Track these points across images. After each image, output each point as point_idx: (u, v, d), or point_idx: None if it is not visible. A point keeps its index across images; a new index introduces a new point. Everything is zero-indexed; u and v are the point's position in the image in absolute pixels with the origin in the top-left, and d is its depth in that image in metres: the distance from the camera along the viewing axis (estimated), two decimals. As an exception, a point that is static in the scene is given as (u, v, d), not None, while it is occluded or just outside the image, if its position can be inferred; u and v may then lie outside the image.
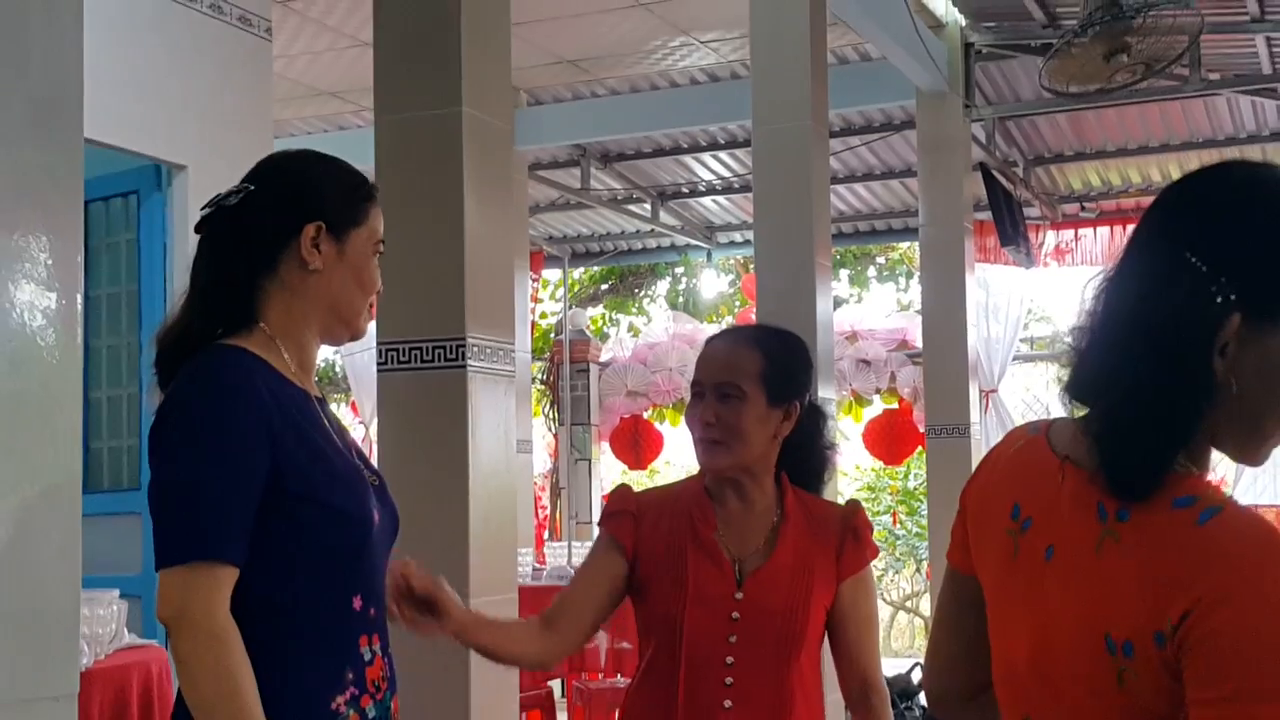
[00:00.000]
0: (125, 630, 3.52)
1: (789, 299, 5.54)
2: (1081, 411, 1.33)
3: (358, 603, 1.77)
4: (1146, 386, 1.23)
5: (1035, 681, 1.33)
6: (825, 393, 5.55)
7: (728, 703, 2.11)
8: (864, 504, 2.37)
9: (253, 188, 1.82)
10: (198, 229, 1.85)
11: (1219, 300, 1.22)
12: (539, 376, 11.36)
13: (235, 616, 1.65)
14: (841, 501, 2.37)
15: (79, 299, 2.00)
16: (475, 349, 3.39)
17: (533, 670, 2.17)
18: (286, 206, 1.81)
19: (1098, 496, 1.27)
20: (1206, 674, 1.17)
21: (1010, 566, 1.37)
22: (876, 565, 13.05)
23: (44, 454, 1.92)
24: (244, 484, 1.65)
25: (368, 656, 1.77)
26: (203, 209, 1.84)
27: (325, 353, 14.17)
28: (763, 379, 2.21)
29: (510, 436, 3.55)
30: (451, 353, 3.37)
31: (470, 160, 3.43)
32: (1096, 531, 1.27)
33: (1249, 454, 1.31)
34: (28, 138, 1.99)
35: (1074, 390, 1.33)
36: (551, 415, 10.93)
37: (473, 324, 3.40)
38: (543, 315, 11.90)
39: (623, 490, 2.35)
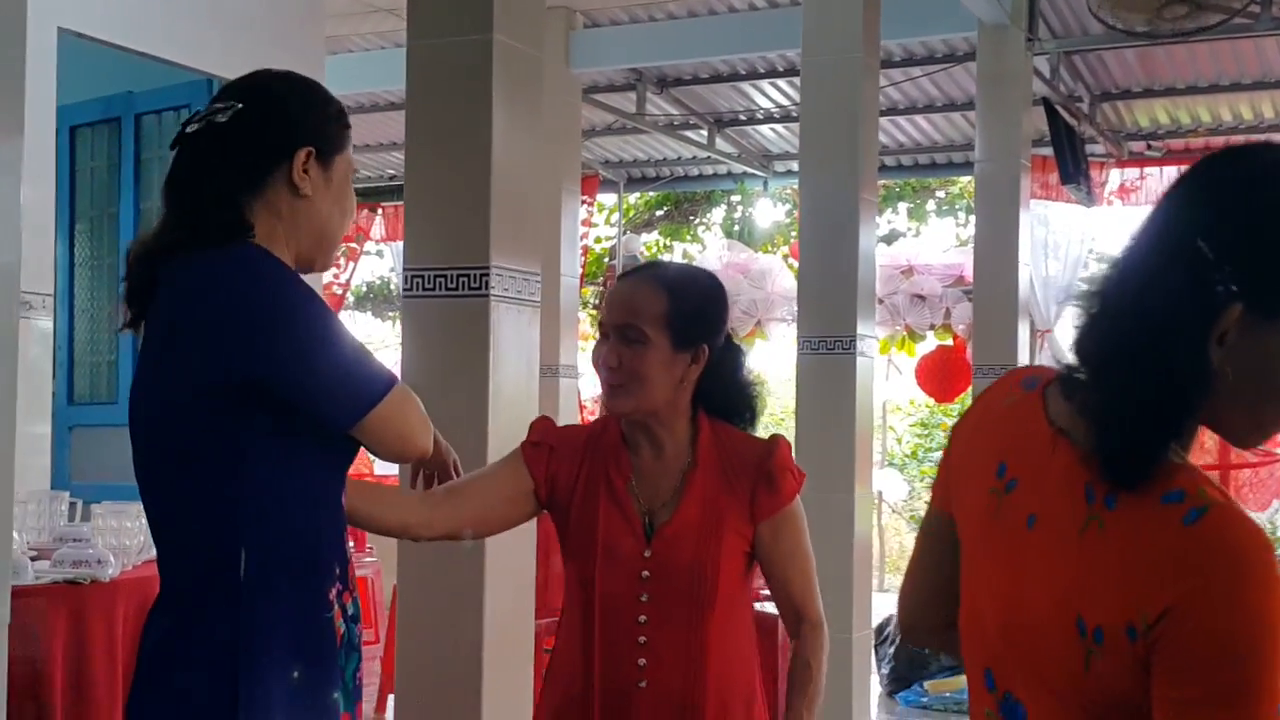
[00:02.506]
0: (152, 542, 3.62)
1: (832, 233, 5.51)
2: (1078, 373, 1.31)
3: (345, 499, 1.81)
4: (1144, 370, 1.23)
5: (1000, 639, 1.34)
6: (865, 329, 5.54)
7: (642, 661, 2.10)
8: (786, 438, 2.28)
9: (241, 106, 1.80)
10: (176, 143, 1.82)
11: (1219, 289, 1.21)
12: (591, 301, 11.39)
13: (238, 513, 1.69)
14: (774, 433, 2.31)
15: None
16: (500, 278, 3.41)
17: (400, 538, 2.15)
18: (279, 129, 1.81)
19: (1087, 477, 1.27)
20: (1176, 675, 1.18)
21: (990, 523, 1.38)
22: (926, 502, 13.03)
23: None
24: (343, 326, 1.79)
25: (348, 552, 1.82)
26: (187, 123, 1.81)
27: (380, 268, 14.15)
28: (667, 322, 2.15)
29: (533, 366, 3.58)
30: (475, 281, 3.39)
31: (500, 88, 3.43)
32: (1083, 513, 1.27)
33: (1243, 440, 1.30)
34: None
35: (1079, 353, 1.32)
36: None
37: (498, 253, 3.42)
38: (597, 240, 11.89)
39: (543, 421, 2.32)
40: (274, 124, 1.81)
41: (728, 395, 2.24)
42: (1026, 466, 1.35)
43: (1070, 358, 1.32)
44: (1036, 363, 8.90)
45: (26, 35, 1.71)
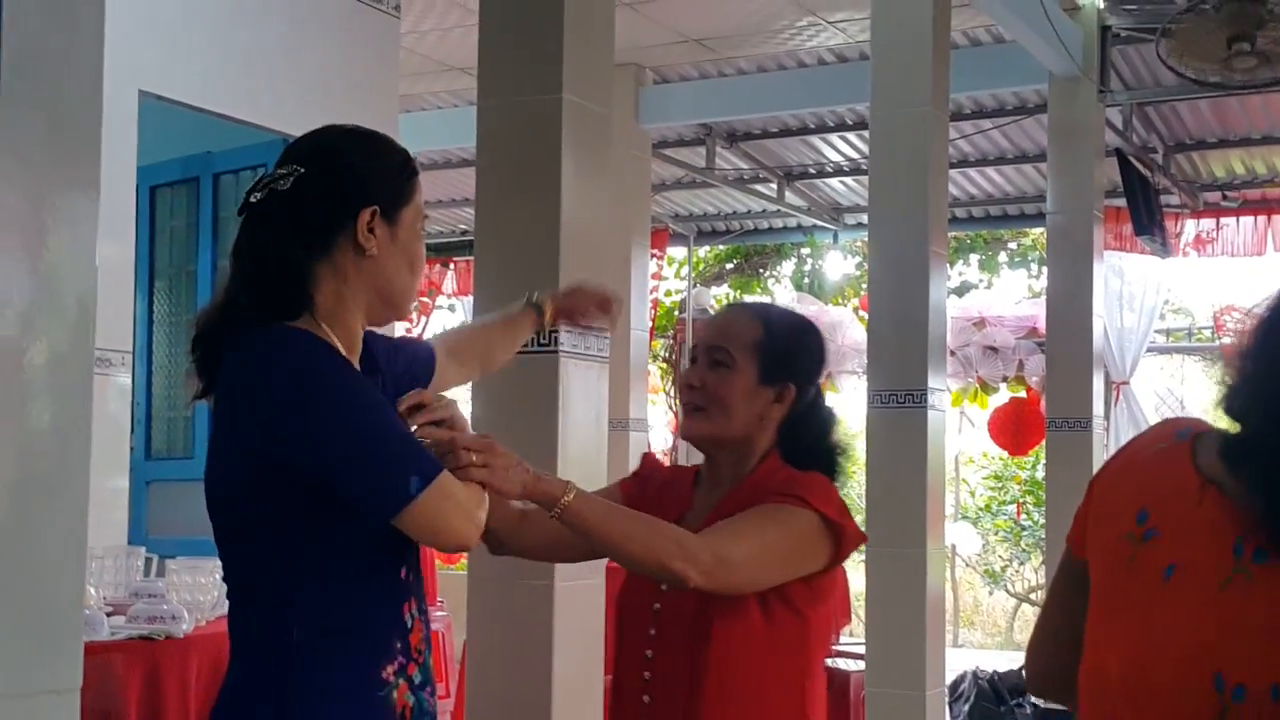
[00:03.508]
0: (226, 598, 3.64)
1: (902, 285, 5.48)
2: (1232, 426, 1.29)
3: (404, 572, 1.80)
4: None
5: (1124, 696, 1.29)
6: (936, 382, 5.48)
7: (649, 653, 2.08)
8: (826, 478, 2.12)
9: (303, 170, 1.78)
10: (241, 211, 1.82)
11: None
12: (660, 354, 11.39)
13: (289, 584, 1.69)
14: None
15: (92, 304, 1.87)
16: (569, 334, 3.42)
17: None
18: (341, 191, 1.79)
19: (1238, 530, 1.23)
20: None
21: (1124, 571, 1.33)
22: (1000, 556, 12.82)
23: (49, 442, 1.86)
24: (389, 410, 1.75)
25: (409, 623, 1.80)
26: (250, 191, 1.81)
27: (452, 323, 14.31)
28: (757, 351, 2.11)
29: (602, 421, 3.57)
30: (544, 337, 3.39)
31: (569, 146, 3.45)
32: (1228, 566, 1.23)
33: None
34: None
35: (1231, 412, 1.30)
36: (674, 393, 10.96)
37: (567, 309, 3.42)
38: (667, 293, 11.91)
39: (647, 457, 2.36)
40: (336, 187, 1.79)
41: (811, 453, 2.16)
42: (1169, 516, 1.31)
43: (1219, 415, 1.29)
44: (1113, 416, 8.77)
45: (104, 96, 1.73)
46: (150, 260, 6.35)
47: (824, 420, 2.19)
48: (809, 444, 2.16)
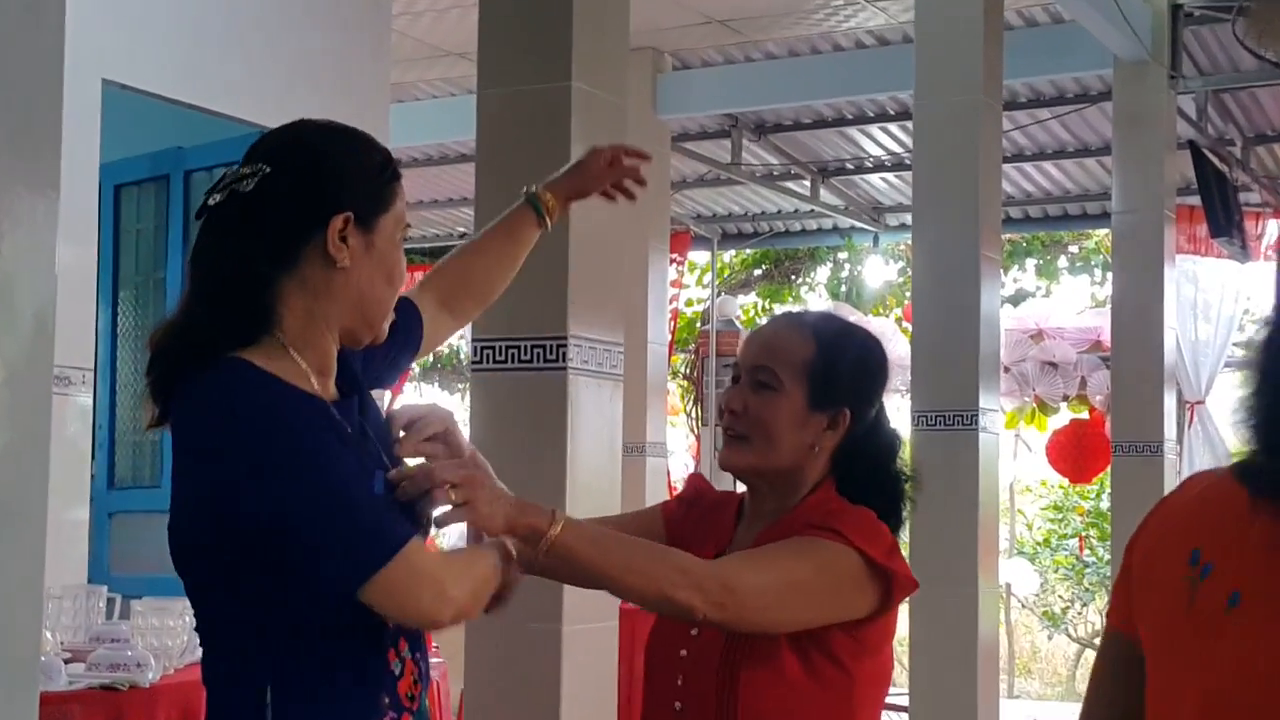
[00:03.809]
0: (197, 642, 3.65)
1: (950, 293, 5.48)
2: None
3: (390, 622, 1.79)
4: None
5: None
6: (988, 401, 5.47)
7: (678, 704, 2.06)
8: (873, 514, 2.08)
9: (269, 170, 1.76)
10: (199, 215, 1.79)
11: None
12: (681, 370, 11.40)
13: (258, 637, 1.69)
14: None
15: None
16: (579, 349, 3.43)
17: None
18: (311, 194, 1.76)
19: None
20: None
21: (1183, 619, 1.34)
22: (1060, 596, 12.76)
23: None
24: (352, 470, 1.70)
25: (398, 670, 1.79)
26: (209, 192, 1.78)
27: (451, 340, 14.46)
28: (807, 371, 2.08)
29: (616, 445, 3.58)
30: (551, 353, 3.41)
31: (579, 139, 3.46)
32: None
33: None
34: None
35: (1247, 433, 1.31)
36: (695, 414, 10.96)
37: (576, 321, 3.44)
38: (688, 303, 11.92)
39: (694, 477, 2.33)
40: (305, 190, 1.76)
41: (869, 486, 2.12)
42: (1222, 544, 1.33)
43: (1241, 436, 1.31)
44: (1186, 439, 8.73)
45: (65, 86, 1.74)
46: (114, 267, 6.37)
47: (884, 446, 2.16)
48: (866, 473, 2.13)
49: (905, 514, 2.15)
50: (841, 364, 2.11)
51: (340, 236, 1.76)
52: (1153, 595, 1.40)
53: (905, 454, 2.20)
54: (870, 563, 2.00)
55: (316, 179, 1.77)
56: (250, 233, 1.74)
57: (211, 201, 1.77)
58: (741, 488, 2.21)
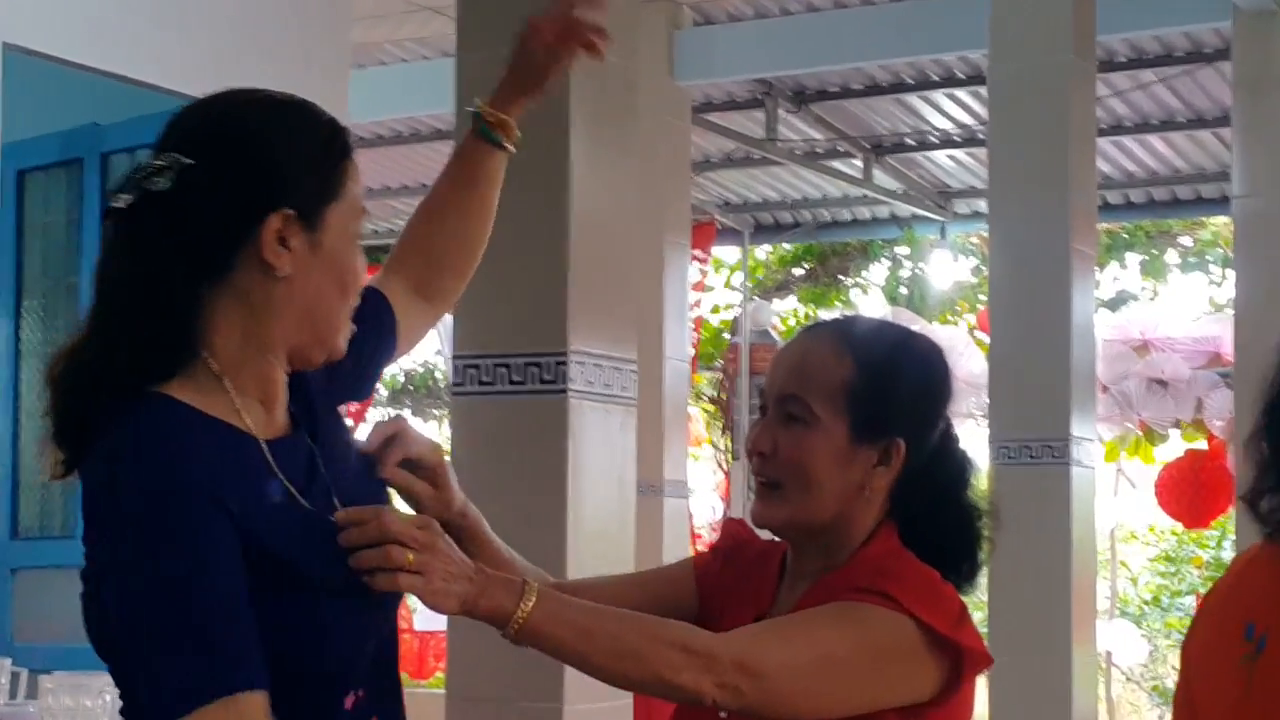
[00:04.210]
0: (119, 725, 3.66)
1: (1035, 296, 5.49)
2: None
3: (352, 699, 1.81)
4: None
5: None
6: (1082, 428, 5.48)
7: None
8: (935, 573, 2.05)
9: (189, 162, 1.74)
10: (106, 216, 1.77)
11: None
12: (707, 392, 11.41)
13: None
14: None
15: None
16: (581, 367, 3.44)
17: None
18: (240, 189, 1.74)
19: None
20: None
21: (1244, 702, 1.42)
22: (1173, 667, 12.73)
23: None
24: (228, 582, 1.68)
25: None
26: (115, 191, 1.75)
27: (423, 352, 14.39)
28: (846, 397, 2.05)
29: (627, 483, 3.60)
30: (549, 372, 3.42)
31: (580, 111, 3.48)
32: None
33: None
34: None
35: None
36: (724, 444, 10.97)
37: (578, 334, 3.46)
38: (714, 309, 11.95)
39: (732, 524, 2.31)
40: (233, 183, 1.75)
41: (936, 526, 2.11)
42: (1274, 616, 1.41)
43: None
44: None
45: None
46: (17, 270, 6.39)
47: (952, 476, 2.14)
48: (930, 511, 2.12)
49: (982, 558, 2.13)
50: (889, 382, 2.09)
51: (278, 240, 1.75)
52: (1210, 678, 1.50)
53: (980, 483, 2.18)
54: (931, 633, 1.97)
55: (247, 168, 1.76)
56: (168, 241, 1.73)
57: (119, 204, 1.74)
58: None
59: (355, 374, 2.01)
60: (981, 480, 2.19)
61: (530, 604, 1.82)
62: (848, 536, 2.09)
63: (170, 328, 1.74)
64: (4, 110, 5.38)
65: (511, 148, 2.20)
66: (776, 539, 2.22)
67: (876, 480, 2.07)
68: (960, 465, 2.15)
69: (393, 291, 2.12)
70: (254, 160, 1.76)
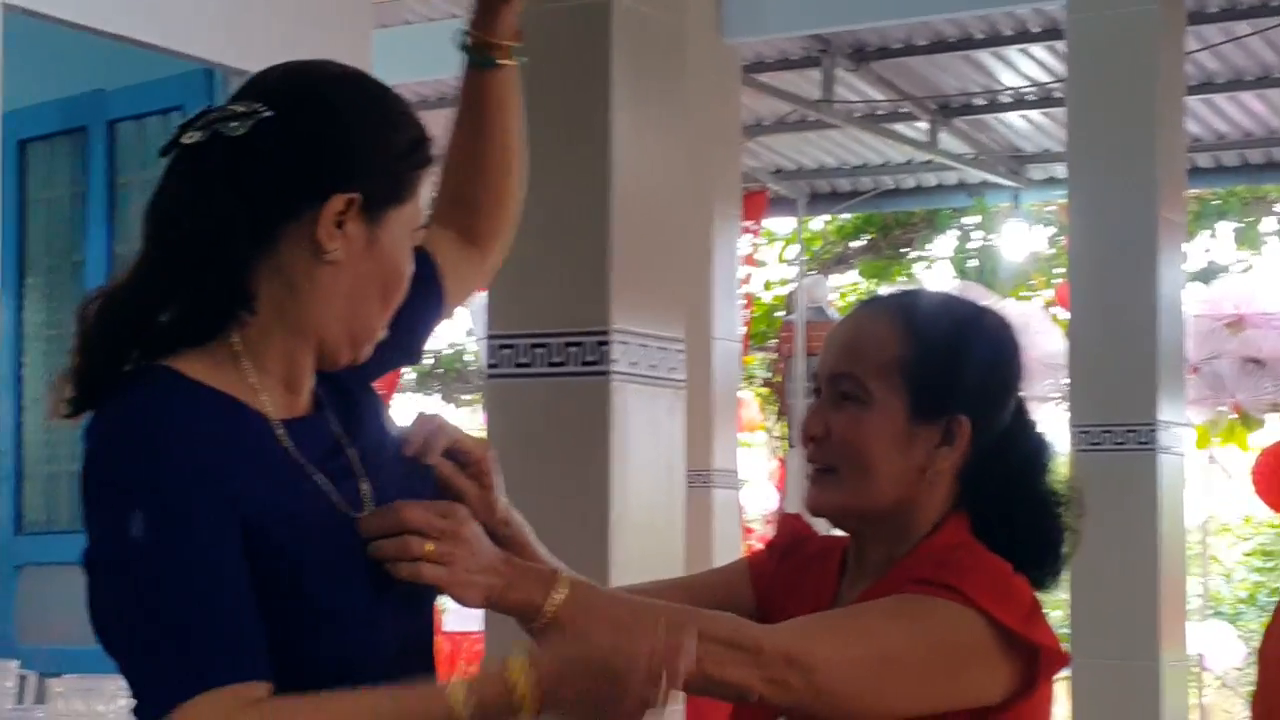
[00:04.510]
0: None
1: (1118, 268, 5.47)
2: None
3: None
4: None
5: None
6: (1171, 412, 5.46)
7: None
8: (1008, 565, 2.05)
9: (269, 113, 1.78)
10: (165, 151, 1.80)
11: None
12: (759, 373, 11.41)
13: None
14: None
15: None
16: (625, 347, 3.45)
17: None
18: (313, 156, 1.77)
19: None
20: None
21: None
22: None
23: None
24: (225, 567, 1.70)
25: None
26: (186, 126, 1.79)
27: (453, 333, 14.39)
28: (903, 373, 2.06)
29: (676, 472, 3.60)
30: (590, 353, 3.43)
31: (622, 72, 3.49)
32: None
33: None
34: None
35: None
36: (778, 430, 10.97)
37: (621, 311, 3.46)
38: (766, 285, 11.94)
39: (789, 519, 2.33)
40: (309, 150, 1.78)
41: (1010, 514, 2.11)
42: None
43: None
44: None
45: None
46: (19, 247, 6.42)
47: (1026, 458, 2.15)
48: (1001, 497, 2.11)
49: (1065, 551, 2.13)
50: (950, 356, 2.09)
51: (337, 220, 1.77)
52: None
53: (1060, 469, 2.18)
54: (1002, 629, 1.97)
55: (326, 140, 1.78)
56: (233, 191, 1.75)
57: (187, 139, 1.78)
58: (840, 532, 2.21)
59: (405, 332, 2.00)
60: (1061, 466, 2.19)
61: (561, 595, 1.84)
62: (911, 524, 2.10)
63: (221, 283, 1.76)
64: (4, 76, 5.41)
65: (507, 61, 2.17)
66: (835, 532, 2.23)
67: (939, 462, 2.08)
68: (1035, 448, 2.15)
69: (438, 245, 2.13)
70: (334, 133, 1.80)
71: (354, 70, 1.88)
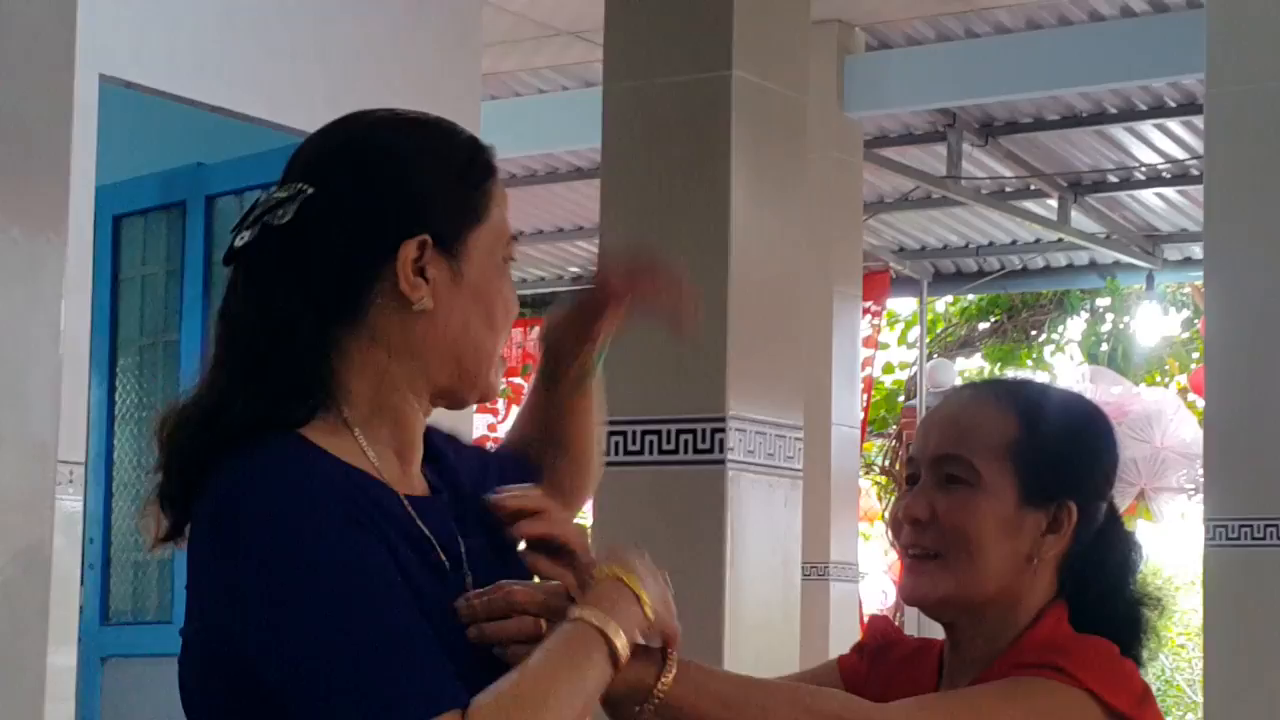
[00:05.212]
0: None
1: (1257, 355, 5.42)
2: None
3: None
4: None
5: None
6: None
7: None
8: (1110, 644, 2.06)
9: (310, 190, 1.77)
10: (228, 260, 1.79)
11: None
12: (879, 462, 11.36)
13: None
14: None
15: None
16: (741, 435, 3.46)
17: None
18: (367, 217, 1.77)
19: None
20: None
21: None
22: None
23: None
24: (398, 596, 1.68)
25: None
26: (236, 230, 1.78)
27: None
28: (1013, 455, 2.08)
29: (791, 565, 3.60)
30: (705, 440, 3.44)
31: (741, 148, 3.51)
32: None
33: None
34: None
35: None
36: (897, 524, 10.92)
37: (738, 396, 3.47)
38: (887, 368, 11.90)
39: (878, 620, 2.35)
40: (358, 213, 1.77)
41: (1109, 608, 2.12)
42: None
43: None
44: None
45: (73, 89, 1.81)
46: (112, 325, 6.49)
47: (1124, 554, 2.16)
48: (1101, 591, 2.13)
49: (1146, 654, 2.14)
50: (1059, 440, 2.11)
51: (416, 269, 1.76)
52: None
53: (1150, 570, 2.20)
54: (1114, 714, 1.98)
55: (372, 195, 1.78)
56: (292, 278, 1.75)
57: (239, 241, 1.78)
58: (931, 625, 2.21)
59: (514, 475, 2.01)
60: (1151, 568, 2.21)
61: (672, 675, 1.82)
62: (1013, 615, 2.10)
63: (298, 375, 1.75)
64: (99, 149, 5.48)
65: (580, 389, 2.18)
66: (932, 637, 2.25)
67: (1046, 550, 2.09)
68: (1128, 546, 2.17)
69: (534, 451, 2.15)
70: (381, 184, 1.78)
71: (384, 112, 1.87)
